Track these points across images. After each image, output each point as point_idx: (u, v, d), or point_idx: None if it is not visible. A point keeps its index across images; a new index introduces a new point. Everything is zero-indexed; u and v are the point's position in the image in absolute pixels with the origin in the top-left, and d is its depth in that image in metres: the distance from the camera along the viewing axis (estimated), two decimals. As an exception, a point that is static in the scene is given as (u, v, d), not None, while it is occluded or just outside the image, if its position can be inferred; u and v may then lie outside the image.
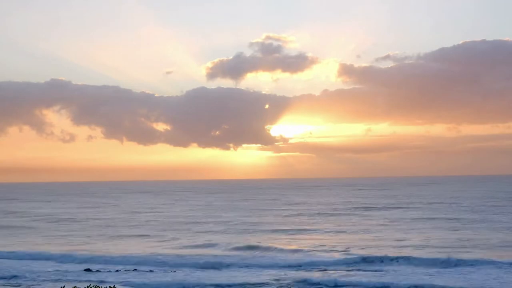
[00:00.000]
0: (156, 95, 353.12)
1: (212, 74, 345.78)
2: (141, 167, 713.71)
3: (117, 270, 41.98)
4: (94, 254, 49.43)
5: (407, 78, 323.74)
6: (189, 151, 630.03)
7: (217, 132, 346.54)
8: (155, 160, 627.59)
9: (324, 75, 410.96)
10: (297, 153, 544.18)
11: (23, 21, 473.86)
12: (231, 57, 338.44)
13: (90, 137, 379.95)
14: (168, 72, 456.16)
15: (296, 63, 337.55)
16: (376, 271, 39.70)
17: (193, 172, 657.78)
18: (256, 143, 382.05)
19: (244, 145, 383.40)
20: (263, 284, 36.33)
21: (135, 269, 42.25)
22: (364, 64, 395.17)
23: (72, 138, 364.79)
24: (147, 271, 41.42)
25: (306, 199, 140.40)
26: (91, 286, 24.12)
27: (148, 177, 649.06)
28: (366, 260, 43.23)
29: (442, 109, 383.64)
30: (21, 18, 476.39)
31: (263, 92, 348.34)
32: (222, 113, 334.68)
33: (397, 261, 42.57)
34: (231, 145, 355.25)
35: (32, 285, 37.63)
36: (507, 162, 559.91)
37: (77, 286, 27.53)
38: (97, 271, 41.94)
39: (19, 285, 37.63)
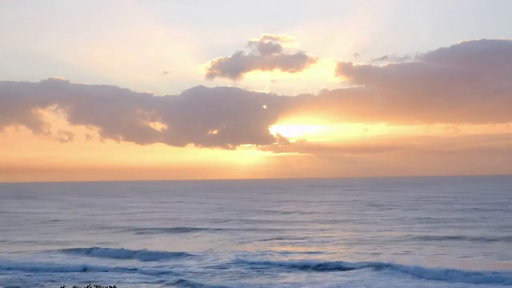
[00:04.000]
0: (154, 94, 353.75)
1: (211, 73, 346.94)
2: (137, 167, 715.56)
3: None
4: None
5: (406, 78, 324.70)
6: (186, 150, 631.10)
7: (215, 132, 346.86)
8: (152, 160, 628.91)
9: (322, 74, 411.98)
10: (296, 153, 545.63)
11: (20, 20, 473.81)
12: (229, 57, 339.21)
13: (87, 137, 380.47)
14: (166, 72, 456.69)
15: (294, 62, 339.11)
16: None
17: (191, 172, 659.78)
18: (254, 143, 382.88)
19: (242, 145, 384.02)
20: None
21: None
22: (362, 63, 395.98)
23: (69, 137, 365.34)
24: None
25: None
26: (91, 286, 23.69)
27: (144, 177, 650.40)
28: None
29: (441, 108, 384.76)
30: (18, 17, 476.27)
31: (262, 92, 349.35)
32: (220, 113, 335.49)
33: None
34: (229, 145, 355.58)
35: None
36: (506, 162, 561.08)
37: (77, 286, 26.65)
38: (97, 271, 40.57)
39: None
